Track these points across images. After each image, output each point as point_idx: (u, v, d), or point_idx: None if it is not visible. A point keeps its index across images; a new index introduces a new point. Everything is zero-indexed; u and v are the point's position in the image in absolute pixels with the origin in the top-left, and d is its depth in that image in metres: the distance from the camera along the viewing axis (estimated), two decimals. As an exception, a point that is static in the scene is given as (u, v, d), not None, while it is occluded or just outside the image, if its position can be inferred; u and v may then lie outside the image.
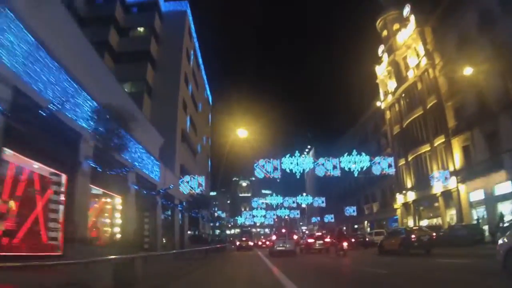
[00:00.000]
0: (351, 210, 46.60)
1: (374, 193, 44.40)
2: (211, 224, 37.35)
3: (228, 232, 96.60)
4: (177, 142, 27.78)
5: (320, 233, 31.71)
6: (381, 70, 41.87)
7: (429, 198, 32.23)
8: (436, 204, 31.61)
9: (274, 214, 58.09)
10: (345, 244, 19.46)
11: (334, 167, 23.95)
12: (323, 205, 45.10)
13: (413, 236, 17.02)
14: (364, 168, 24.57)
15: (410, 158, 35.35)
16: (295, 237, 28.81)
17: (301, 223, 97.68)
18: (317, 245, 25.38)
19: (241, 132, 23.78)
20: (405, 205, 36.45)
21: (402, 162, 37.11)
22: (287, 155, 23.61)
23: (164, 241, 23.86)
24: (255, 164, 23.25)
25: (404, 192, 36.06)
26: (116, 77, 17.47)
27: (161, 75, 31.39)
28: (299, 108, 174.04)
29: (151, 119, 25.60)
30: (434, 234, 18.00)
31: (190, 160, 32.94)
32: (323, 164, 23.69)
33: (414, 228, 21.05)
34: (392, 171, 25.72)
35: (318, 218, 67.08)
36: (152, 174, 19.83)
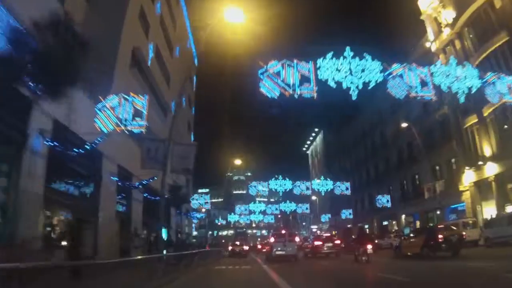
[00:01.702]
0: (384, 200, 34.53)
1: (420, 174, 32.45)
2: (185, 219, 25.15)
3: (220, 233, 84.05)
4: (119, 62, 15.47)
5: (328, 234, 28.27)
6: (428, 1, 30.32)
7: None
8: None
9: (276, 209, 45.78)
10: (369, 247, 15.22)
11: (423, 83, 12.04)
12: (348, 192, 33.00)
13: (440, 236, 14.81)
14: (473, 90, 12.80)
15: (487, 113, 23.65)
16: (297, 239, 25.43)
17: (303, 223, 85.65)
18: (325, 248, 22.20)
19: (235, 14, 11.67)
20: (480, 184, 24.62)
21: (471, 121, 25.39)
22: (329, 55, 11.52)
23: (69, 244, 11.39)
24: (261, 71, 11.09)
25: (480, 164, 24.14)
26: None
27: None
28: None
29: (84, 29, 13.30)
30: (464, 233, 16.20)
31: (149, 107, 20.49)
32: (401, 76, 11.64)
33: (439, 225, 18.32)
34: (517, 100, 13.90)
35: (329, 215, 55.12)
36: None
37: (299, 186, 30.96)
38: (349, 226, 52.00)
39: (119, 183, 13.84)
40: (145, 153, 11.03)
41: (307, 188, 31.15)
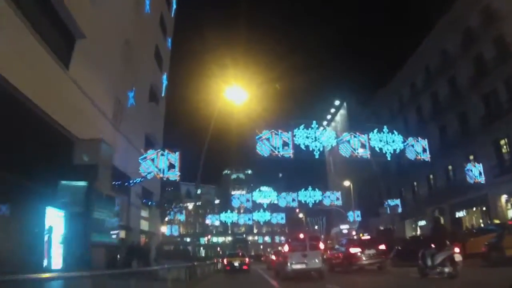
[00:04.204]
0: (475, 172, 21.31)
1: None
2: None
3: (215, 240, 70.01)
4: None
5: (368, 237, 21.28)
6: None
7: None
8: None
9: (294, 200, 32.06)
10: (456, 250, 9.51)
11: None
12: (426, 156, 19.70)
13: None
14: None
15: None
16: (322, 245, 17.86)
17: (316, 227, 72.03)
18: (364, 258, 15.52)
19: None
20: None
21: None
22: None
23: None
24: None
25: None
26: None
27: None
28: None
29: None
30: None
31: None
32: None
33: None
34: None
35: (359, 212, 41.61)
36: None
37: (348, 140, 17.65)
38: (387, 227, 38.60)
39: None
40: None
41: (362, 145, 17.75)
